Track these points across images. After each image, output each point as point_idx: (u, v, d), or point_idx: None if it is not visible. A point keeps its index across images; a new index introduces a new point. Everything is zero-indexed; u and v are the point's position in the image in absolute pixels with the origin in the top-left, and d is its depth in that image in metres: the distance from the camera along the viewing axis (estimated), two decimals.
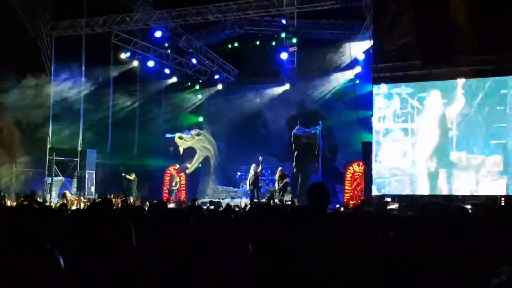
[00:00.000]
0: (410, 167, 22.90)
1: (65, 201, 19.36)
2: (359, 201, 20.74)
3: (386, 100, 23.65)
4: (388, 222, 5.53)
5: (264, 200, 23.51)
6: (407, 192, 22.58)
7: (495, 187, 21.37)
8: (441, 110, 22.57)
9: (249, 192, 26.31)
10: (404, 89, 23.21)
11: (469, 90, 22.22)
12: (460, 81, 22.31)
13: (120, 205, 17.48)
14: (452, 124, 22.34)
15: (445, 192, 22.06)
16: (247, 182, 25.20)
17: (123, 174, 26.51)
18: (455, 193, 21.80)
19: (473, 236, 3.92)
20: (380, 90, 23.71)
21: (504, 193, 21.01)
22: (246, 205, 19.18)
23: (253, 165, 24.90)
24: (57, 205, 15.38)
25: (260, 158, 25.16)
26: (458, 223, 4.24)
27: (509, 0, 20.71)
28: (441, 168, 22.36)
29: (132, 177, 26.66)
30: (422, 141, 22.77)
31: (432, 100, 22.78)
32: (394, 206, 19.12)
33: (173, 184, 28.07)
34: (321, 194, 5.37)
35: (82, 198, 24.06)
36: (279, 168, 24.60)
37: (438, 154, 22.48)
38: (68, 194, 23.01)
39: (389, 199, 21.83)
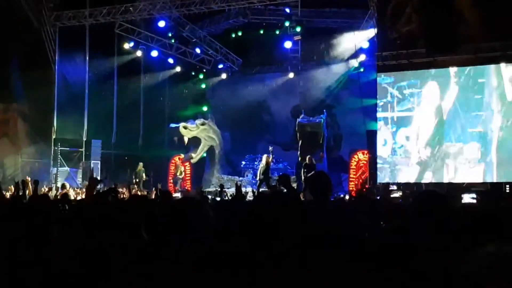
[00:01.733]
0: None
1: (65, 192, 19.29)
2: (359, 189, 20.64)
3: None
4: (390, 211, 5.54)
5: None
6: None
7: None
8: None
9: (254, 182, 26.27)
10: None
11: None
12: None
13: (127, 195, 17.45)
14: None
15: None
16: (258, 172, 25.01)
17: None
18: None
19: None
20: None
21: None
22: (247, 193, 19.07)
23: (265, 155, 24.65)
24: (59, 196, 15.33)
25: (270, 148, 25.01)
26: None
27: None
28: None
29: (140, 167, 26.74)
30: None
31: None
32: (398, 194, 19.14)
33: (178, 174, 28.09)
34: (322, 183, 5.37)
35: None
36: (308, 156, 24.35)
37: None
38: (67, 185, 22.87)
39: (394, 187, 21.85)
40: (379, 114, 23.20)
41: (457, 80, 22.08)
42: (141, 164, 26.73)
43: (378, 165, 22.90)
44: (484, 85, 21.61)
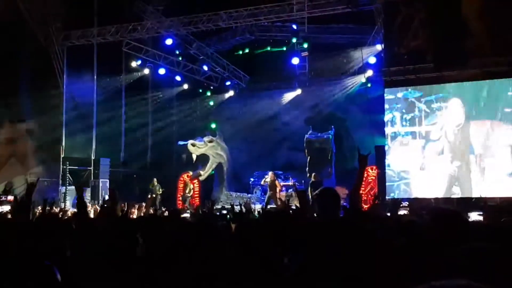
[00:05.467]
0: (418, 170, 22.90)
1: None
2: (370, 206, 20.54)
3: (393, 104, 23.73)
4: (399, 228, 5.49)
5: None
6: (415, 195, 22.53)
7: (505, 189, 21.24)
8: (451, 112, 22.59)
9: (263, 198, 26.25)
10: (411, 92, 23.27)
11: (479, 92, 22.26)
12: (473, 83, 22.32)
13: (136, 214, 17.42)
14: (462, 126, 22.33)
15: (458, 195, 21.97)
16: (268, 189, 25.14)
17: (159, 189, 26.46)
18: (467, 195, 21.70)
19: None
20: (387, 94, 23.81)
21: None
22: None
23: (270, 172, 24.86)
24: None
25: (270, 173, 25.14)
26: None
27: None
28: (451, 170, 22.31)
29: (154, 182, 26.65)
30: (432, 145, 22.76)
31: (441, 103, 22.84)
32: (405, 211, 18.97)
33: (187, 191, 28.03)
34: (330, 200, 5.34)
35: (96, 206, 24.00)
36: (313, 174, 24.35)
37: (450, 156, 22.42)
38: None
39: (405, 204, 21.71)
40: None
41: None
42: (155, 179, 26.69)
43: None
44: None
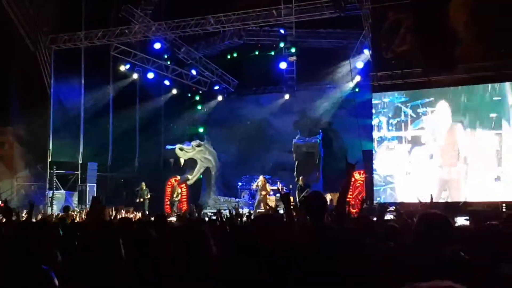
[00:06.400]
0: (404, 175, 22.95)
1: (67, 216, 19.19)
2: (358, 210, 20.59)
3: (380, 109, 23.78)
4: (385, 232, 5.52)
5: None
6: (401, 200, 22.53)
7: (493, 193, 21.29)
8: (436, 117, 22.65)
9: (251, 203, 26.29)
10: (397, 97, 23.33)
11: (465, 97, 22.34)
12: (458, 88, 22.42)
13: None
14: (449, 131, 22.39)
15: (444, 199, 22.01)
16: (258, 192, 25.23)
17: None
18: (453, 200, 21.73)
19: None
20: (374, 98, 23.87)
21: (502, 199, 20.89)
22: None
23: (261, 176, 25.00)
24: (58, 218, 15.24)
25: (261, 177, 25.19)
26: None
27: (509, 5, 20.70)
28: (439, 175, 22.36)
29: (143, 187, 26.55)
30: (418, 149, 22.81)
31: (427, 108, 22.90)
32: (391, 215, 19.02)
33: (175, 196, 27.96)
34: (318, 203, 5.36)
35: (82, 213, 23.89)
36: (301, 177, 24.40)
37: (436, 161, 22.49)
38: (70, 208, 22.81)
39: (392, 208, 21.73)
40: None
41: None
42: (143, 183, 26.58)
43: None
44: (500, 103, 21.71)
